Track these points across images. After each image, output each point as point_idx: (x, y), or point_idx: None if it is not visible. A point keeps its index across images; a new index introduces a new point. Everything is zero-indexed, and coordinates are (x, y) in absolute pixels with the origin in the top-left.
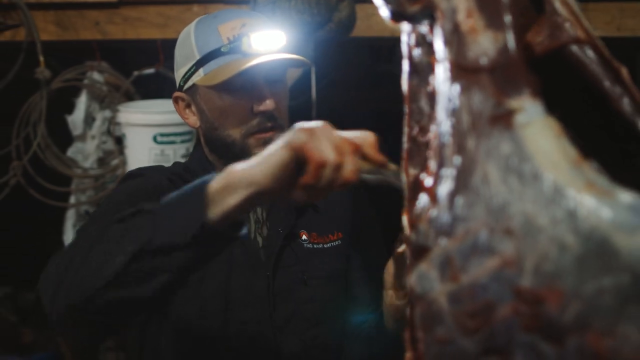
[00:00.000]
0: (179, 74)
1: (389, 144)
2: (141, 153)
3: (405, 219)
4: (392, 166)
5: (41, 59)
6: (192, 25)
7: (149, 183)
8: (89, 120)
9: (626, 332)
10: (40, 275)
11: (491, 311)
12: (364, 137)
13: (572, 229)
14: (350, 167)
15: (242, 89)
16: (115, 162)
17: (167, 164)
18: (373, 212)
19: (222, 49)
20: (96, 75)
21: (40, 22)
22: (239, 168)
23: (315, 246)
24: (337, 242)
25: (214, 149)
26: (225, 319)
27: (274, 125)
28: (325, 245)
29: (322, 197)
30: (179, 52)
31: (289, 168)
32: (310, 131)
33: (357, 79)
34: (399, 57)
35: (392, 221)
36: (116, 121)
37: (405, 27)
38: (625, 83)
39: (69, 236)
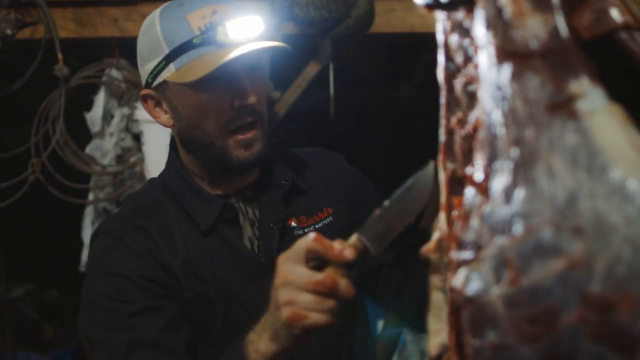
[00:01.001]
0: (145, 70)
1: (410, 142)
2: (159, 150)
3: (442, 216)
4: (352, 240)
5: (60, 56)
6: (156, 15)
7: (129, 265)
8: (107, 117)
9: None
10: None
11: (555, 317)
12: (304, 242)
13: None
14: (344, 291)
15: (219, 82)
16: (133, 159)
17: None
18: (357, 171)
19: (194, 41)
20: (114, 73)
21: (58, 20)
22: (261, 349)
23: (305, 230)
24: (328, 220)
25: (192, 150)
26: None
27: (255, 119)
28: (316, 226)
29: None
30: (142, 45)
31: (301, 335)
32: (288, 302)
33: (376, 75)
34: (419, 55)
35: None
36: (134, 118)
37: (439, 15)
38: None
39: (87, 233)
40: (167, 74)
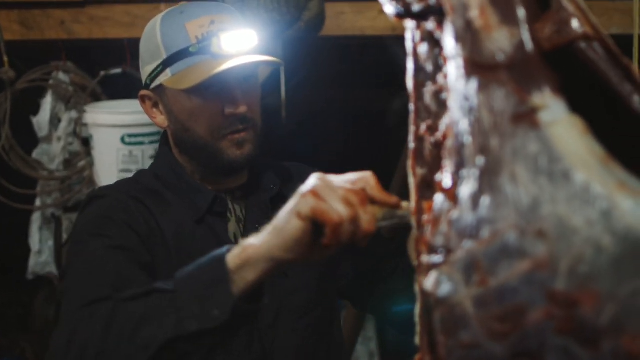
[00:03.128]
0: (145, 72)
1: (360, 144)
2: (109, 154)
3: (413, 220)
4: (405, 204)
5: (5, 59)
6: (158, 20)
7: (117, 212)
8: (54, 121)
9: None
10: (46, 357)
11: (522, 315)
12: (365, 179)
13: (608, 230)
14: (365, 217)
15: (212, 91)
16: (82, 163)
17: (136, 165)
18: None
19: (190, 49)
20: (62, 76)
21: (4, 22)
22: (254, 243)
23: None
24: None
25: (185, 150)
26: None
27: (246, 127)
28: None
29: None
30: (144, 48)
31: (307, 237)
32: (315, 193)
33: (326, 78)
34: (368, 57)
35: None
36: (83, 122)
37: (409, 24)
38: (635, 80)
39: (35, 239)
40: (164, 78)
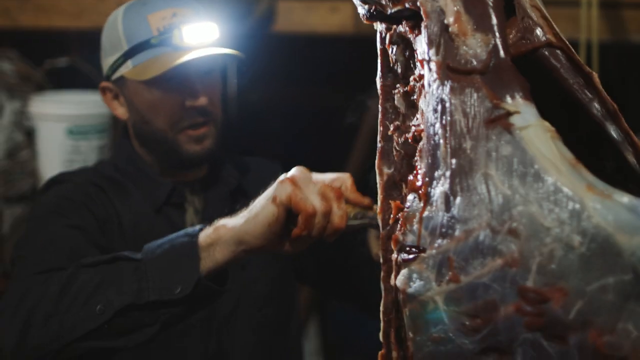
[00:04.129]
0: (106, 63)
1: (307, 142)
2: (53, 146)
3: (378, 218)
4: (376, 207)
5: None
6: (120, 11)
7: (76, 194)
8: None
9: (627, 329)
10: None
11: (493, 310)
12: (342, 179)
13: (577, 230)
14: (338, 213)
15: (173, 84)
16: (24, 154)
17: (81, 157)
18: None
19: (151, 41)
20: (5, 65)
21: None
22: (229, 224)
23: None
24: None
25: (144, 143)
26: None
27: (207, 120)
28: None
29: (308, 245)
30: (105, 39)
31: (279, 224)
32: (294, 181)
33: (276, 75)
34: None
35: None
36: (27, 113)
37: (379, 26)
38: (595, 88)
39: None
40: (125, 70)
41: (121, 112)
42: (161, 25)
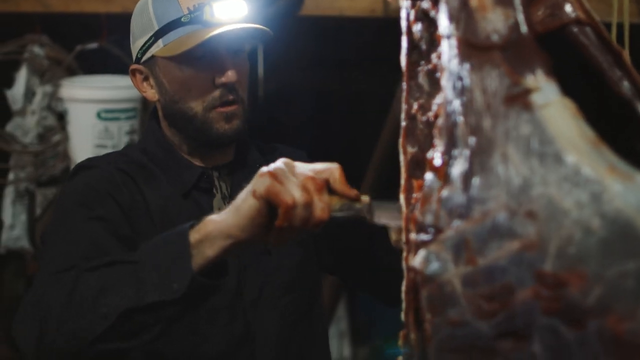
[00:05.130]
0: (135, 46)
1: (332, 127)
2: (84, 129)
3: (402, 198)
4: (364, 198)
5: None
6: None
7: (102, 183)
8: (29, 95)
9: None
10: (15, 317)
11: (510, 294)
12: (330, 170)
13: (597, 213)
14: (320, 205)
15: (203, 60)
16: (56, 138)
17: (111, 141)
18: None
19: (182, 19)
20: (37, 49)
21: None
22: (215, 219)
23: None
24: None
25: (174, 122)
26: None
27: (236, 98)
28: None
29: (297, 237)
30: (135, 23)
31: (261, 217)
32: (273, 174)
33: (301, 58)
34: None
35: None
36: (58, 96)
37: (404, 2)
38: (625, 66)
39: (7, 213)
40: (156, 49)
41: (151, 94)
42: (191, 4)
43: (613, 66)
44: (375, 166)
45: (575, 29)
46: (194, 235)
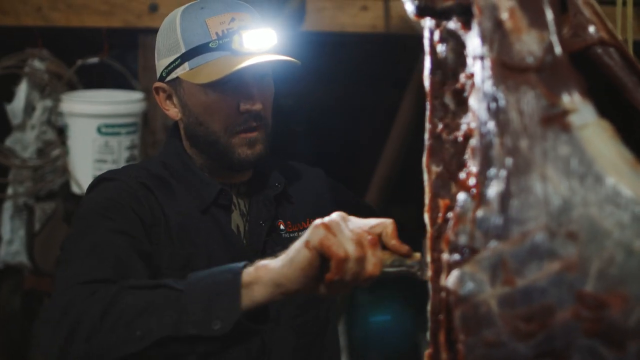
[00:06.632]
0: (160, 64)
1: (333, 142)
2: (84, 144)
3: (426, 217)
4: (416, 255)
5: None
6: (178, 14)
7: (124, 196)
8: (29, 109)
9: None
10: (39, 320)
11: (549, 315)
12: (383, 224)
13: (639, 234)
14: (372, 260)
15: (229, 87)
16: (56, 152)
17: (111, 156)
18: (339, 185)
19: (210, 45)
20: (37, 63)
21: None
22: (269, 266)
23: (291, 235)
24: None
25: (196, 144)
26: None
27: (259, 125)
28: (299, 233)
29: (347, 291)
30: (162, 41)
31: (313, 268)
32: (328, 227)
33: (303, 73)
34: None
35: None
36: (58, 111)
37: (428, 22)
38: None
39: (6, 228)
40: (182, 71)
41: (174, 112)
42: (220, 29)
43: (638, 87)
44: (377, 183)
45: (599, 50)
46: (245, 278)
